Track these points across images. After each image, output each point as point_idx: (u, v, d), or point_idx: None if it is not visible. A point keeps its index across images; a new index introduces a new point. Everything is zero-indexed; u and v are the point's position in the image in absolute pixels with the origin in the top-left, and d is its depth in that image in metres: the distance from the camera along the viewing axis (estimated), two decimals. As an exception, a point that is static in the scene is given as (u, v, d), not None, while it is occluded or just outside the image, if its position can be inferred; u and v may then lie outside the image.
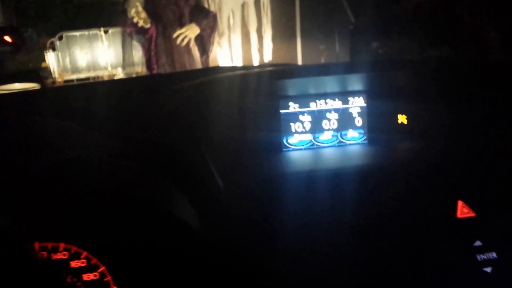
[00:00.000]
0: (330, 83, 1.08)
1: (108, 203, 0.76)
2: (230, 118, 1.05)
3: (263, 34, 4.39)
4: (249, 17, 4.04)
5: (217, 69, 1.44)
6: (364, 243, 0.89)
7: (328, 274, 0.87)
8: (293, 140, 1.11)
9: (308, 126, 1.11)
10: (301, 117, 1.10)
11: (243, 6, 4.07)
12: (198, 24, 3.36)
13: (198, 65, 3.45)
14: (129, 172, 0.87)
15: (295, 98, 1.09)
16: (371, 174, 1.00)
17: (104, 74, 4.87)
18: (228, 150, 1.05)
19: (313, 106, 1.10)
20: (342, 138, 1.13)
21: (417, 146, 1.10)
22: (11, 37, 4.12)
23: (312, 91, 1.09)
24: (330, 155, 1.09)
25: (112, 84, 1.30)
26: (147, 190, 0.84)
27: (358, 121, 1.13)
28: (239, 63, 4.44)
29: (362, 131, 1.13)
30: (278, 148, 1.10)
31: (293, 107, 1.09)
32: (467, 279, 0.85)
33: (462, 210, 0.90)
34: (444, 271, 0.86)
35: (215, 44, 3.82)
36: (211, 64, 3.63)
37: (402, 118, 1.13)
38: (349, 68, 1.07)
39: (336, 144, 1.13)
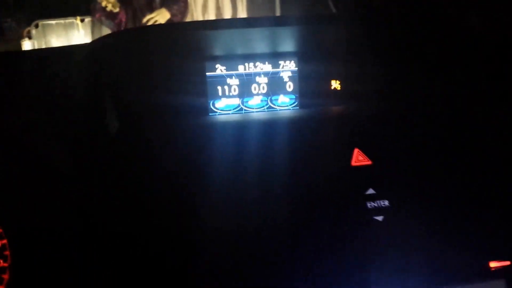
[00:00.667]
0: (259, 40, 1.02)
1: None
2: (153, 78, 1.00)
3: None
4: (223, 3, 3.97)
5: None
6: (273, 196, 0.88)
7: (243, 227, 0.84)
8: (220, 104, 1.06)
9: (236, 90, 1.06)
10: (228, 80, 1.06)
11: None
12: (169, 9, 3.30)
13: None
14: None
15: (222, 60, 1.04)
16: (299, 140, 0.95)
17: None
18: (150, 112, 1.00)
19: (241, 69, 1.05)
20: (272, 103, 1.08)
21: (348, 111, 1.05)
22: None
23: (240, 50, 1.04)
24: (258, 120, 1.04)
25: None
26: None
27: (289, 86, 1.08)
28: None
29: (294, 97, 1.08)
30: (204, 112, 1.05)
31: (220, 69, 1.04)
32: (358, 227, 0.81)
33: (357, 158, 0.86)
34: (336, 218, 0.81)
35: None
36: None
37: (335, 84, 1.08)
38: (278, 21, 1.01)
39: (266, 110, 1.08)
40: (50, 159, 0.77)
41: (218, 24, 0.95)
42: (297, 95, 1.08)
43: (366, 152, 0.87)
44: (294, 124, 1.01)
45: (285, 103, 1.09)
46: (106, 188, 0.81)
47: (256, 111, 1.07)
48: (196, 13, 3.99)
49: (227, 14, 4.32)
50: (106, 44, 0.93)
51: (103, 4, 3.08)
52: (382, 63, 1.04)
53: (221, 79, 1.05)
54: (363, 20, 1.00)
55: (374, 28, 1.00)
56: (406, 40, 1.02)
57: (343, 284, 0.75)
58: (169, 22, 3.27)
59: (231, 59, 1.04)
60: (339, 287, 0.75)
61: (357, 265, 0.76)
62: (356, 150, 0.87)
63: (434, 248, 0.77)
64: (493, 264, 0.77)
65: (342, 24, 1.00)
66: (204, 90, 1.05)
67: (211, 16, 4.12)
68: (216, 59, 1.04)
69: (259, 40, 1.01)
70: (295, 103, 1.09)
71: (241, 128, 1.02)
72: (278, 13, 4.71)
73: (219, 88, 1.06)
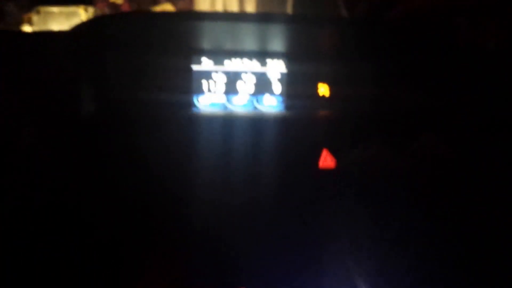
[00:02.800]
0: (248, 36, 0.99)
1: None
2: (135, 68, 0.97)
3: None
4: (231, 3, 3.92)
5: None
6: (252, 194, 0.88)
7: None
8: (204, 100, 1.02)
9: (221, 86, 1.03)
10: (214, 76, 1.02)
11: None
12: (174, 4, 3.25)
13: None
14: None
15: (208, 54, 1.01)
16: (281, 142, 0.92)
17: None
18: (131, 103, 0.97)
19: (228, 65, 1.01)
20: (258, 104, 1.04)
21: (334, 116, 1.02)
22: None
23: (227, 45, 1.00)
24: (242, 120, 1.01)
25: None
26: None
27: (277, 87, 1.04)
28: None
29: (280, 98, 1.04)
30: (187, 107, 1.02)
31: (206, 63, 1.01)
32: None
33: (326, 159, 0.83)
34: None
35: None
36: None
37: (323, 87, 1.04)
38: (269, 18, 0.98)
39: (251, 109, 1.04)
40: (22, 142, 0.73)
41: (206, 15, 0.92)
42: (284, 97, 1.04)
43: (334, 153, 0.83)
44: (278, 126, 0.98)
45: (271, 105, 1.05)
46: (81, 182, 0.78)
47: (241, 110, 1.03)
48: (200, 9, 3.94)
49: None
50: (88, 29, 0.89)
51: (105, -6, 3.04)
52: (375, 70, 1.00)
53: (207, 74, 1.02)
54: (360, 25, 0.96)
55: (373, 35, 0.97)
56: (406, 52, 0.98)
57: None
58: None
59: (218, 54, 1.01)
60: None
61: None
62: (324, 151, 0.83)
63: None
64: None
65: (336, 27, 0.96)
66: (189, 83, 1.01)
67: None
68: (202, 52, 1.00)
69: (247, 36, 0.97)
70: (282, 105, 1.05)
71: (224, 125, 0.98)
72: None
73: (204, 82, 1.02)
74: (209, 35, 0.96)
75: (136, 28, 0.92)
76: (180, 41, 0.97)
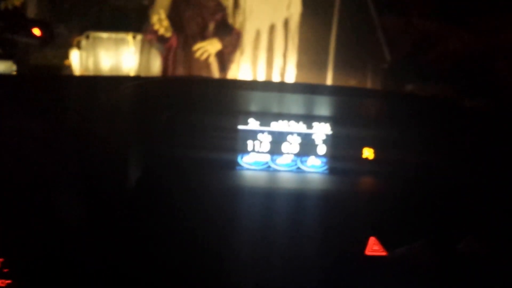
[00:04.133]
0: (295, 103, 1.00)
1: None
2: (183, 128, 0.99)
3: (289, 59, 4.34)
4: (275, 40, 3.97)
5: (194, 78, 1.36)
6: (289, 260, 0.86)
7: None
8: (248, 159, 1.04)
9: (266, 146, 1.04)
10: (260, 136, 1.04)
11: (271, 28, 4.01)
12: (221, 40, 3.31)
13: (215, 81, 3.39)
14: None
15: (255, 115, 1.02)
16: (325, 206, 0.92)
17: (126, 79, 4.84)
18: (177, 163, 0.99)
19: (274, 125, 1.03)
20: (302, 164, 1.05)
21: (379, 183, 1.01)
22: (40, 30, 4.12)
23: (274, 109, 1.02)
24: (286, 181, 1.01)
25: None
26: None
27: (321, 149, 1.05)
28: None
29: (324, 160, 1.05)
30: (231, 165, 1.03)
31: (252, 124, 1.02)
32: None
33: (372, 247, 0.82)
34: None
35: (236, 63, 3.78)
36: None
37: (368, 152, 1.04)
38: (316, 90, 0.99)
39: (295, 170, 1.05)
40: (61, 205, 0.75)
41: (255, 85, 0.94)
42: (328, 159, 1.05)
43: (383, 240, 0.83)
44: (322, 191, 0.98)
45: (315, 166, 1.05)
46: (123, 244, 0.79)
47: (284, 170, 1.04)
48: (245, 45, 4.00)
49: (278, 52, 4.32)
50: (137, 93, 0.92)
51: (156, 27, 3.11)
52: (420, 137, 1.00)
53: (252, 134, 1.03)
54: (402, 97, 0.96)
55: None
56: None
57: None
58: (219, 53, 3.27)
59: (264, 116, 1.02)
60: None
61: None
62: (372, 239, 0.82)
63: None
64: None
65: (380, 99, 0.97)
66: (234, 143, 1.03)
67: (261, 52, 4.12)
68: (249, 113, 1.02)
69: (294, 104, 0.99)
70: (325, 167, 1.05)
71: (267, 186, 0.99)
72: (331, 55, 4.69)
73: (249, 142, 1.03)
74: (256, 101, 0.98)
75: (185, 92, 0.95)
76: (228, 103, 0.99)
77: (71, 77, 1.20)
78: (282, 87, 0.97)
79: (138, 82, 0.95)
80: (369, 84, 4.57)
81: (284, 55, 4.44)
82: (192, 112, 1.00)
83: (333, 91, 0.96)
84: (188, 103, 0.99)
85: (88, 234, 0.76)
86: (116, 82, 0.98)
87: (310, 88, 0.95)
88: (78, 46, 5.08)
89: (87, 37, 5.12)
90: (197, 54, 3.24)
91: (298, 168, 1.05)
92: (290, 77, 4.72)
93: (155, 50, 3.60)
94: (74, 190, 0.79)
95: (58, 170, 0.81)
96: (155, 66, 4.13)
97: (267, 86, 0.95)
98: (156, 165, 0.96)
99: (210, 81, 0.97)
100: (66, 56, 5.29)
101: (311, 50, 4.40)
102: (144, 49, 4.21)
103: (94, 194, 0.79)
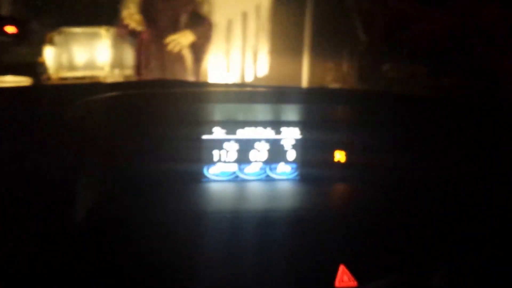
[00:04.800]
0: (261, 109, 0.95)
1: None
2: (142, 141, 0.93)
3: (263, 46, 4.28)
4: (248, 28, 3.91)
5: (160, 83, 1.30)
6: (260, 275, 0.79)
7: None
8: (215, 170, 0.99)
9: (233, 155, 0.99)
10: (225, 145, 0.98)
11: (243, 16, 3.95)
12: (193, 32, 3.26)
13: (189, 73, 3.35)
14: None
15: (220, 124, 0.97)
16: (296, 218, 0.87)
17: (101, 74, 4.77)
18: (138, 177, 0.93)
19: (240, 133, 0.98)
20: (271, 172, 1.00)
21: (352, 190, 0.97)
22: (15, 27, 4.05)
23: (240, 116, 0.97)
24: (255, 190, 0.96)
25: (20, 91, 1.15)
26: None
27: (291, 154, 1.00)
28: (235, 75, 4.32)
29: (295, 166, 1.00)
30: (196, 178, 0.98)
31: (217, 133, 0.97)
32: None
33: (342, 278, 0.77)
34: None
35: (210, 54, 3.72)
36: (203, 74, 3.53)
37: (340, 155, 1.00)
38: (282, 97, 0.94)
39: (264, 178, 1.00)
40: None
41: (219, 96, 0.88)
42: (298, 165, 1.00)
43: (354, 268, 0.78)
44: (292, 203, 0.93)
45: (285, 173, 1.00)
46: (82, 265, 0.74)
47: (253, 180, 0.99)
48: (218, 36, 3.93)
49: (252, 40, 4.25)
50: (97, 106, 0.86)
51: (126, 21, 3.04)
52: (393, 138, 0.96)
53: (218, 143, 0.98)
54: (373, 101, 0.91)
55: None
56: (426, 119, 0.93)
57: None
58: (192, 45, 3.21)
59: (230, 124, 0.97)
60: None
61: None
62: (342, 268, 0.78)
63: None
64: None
65: (350, 100, 0.92)
66: (199, 154, 0.97)
67: (235, 40, 4.06)
68: (213, 122, 0.96)
69: (261, 110, 0.94)
70: (296, 173, 1.00)
71: (236, 198, 0.94)
72: (306, 40, 4.64)
73: (215, 152, 0.98)
74: (220, 109, 0.93)
75: (145, 105, 0.89)
76: (191, 112, 0.94)
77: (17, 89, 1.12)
78: (247, 95, 0.91)
79: (96, 98, 0.89)
80: (345, 67, 4.55)
81: (258, 43, 4.38)
82: (152, 123, 0.94)
83: (300, 95, 0.91)
84: (147, 114, 0.93)
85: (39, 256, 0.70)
86: (69, 93, 0.92)
87: (276, 94, 0.90)
88: (52, 43, 4.98)
89: (60, 33, 5.01)
90: (170, 47, 3.19)
91: (268, 176, 1.00)
92: (265, 65, 4.67)
93: (128, 44, 3.53)
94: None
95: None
96: (130, 59, 4.04)
97: (232, 94, 0.89)
98: (115, 182, 0.90)
99: (169, 93, 0.91)
100: (40, 53, 5.18)
101: (286, 36, 4.35)
102: (117, 42, 4.13)
103: (42, 217, 0.73)
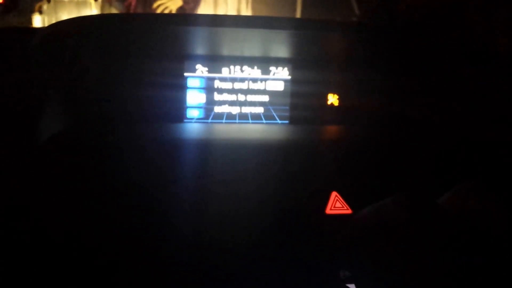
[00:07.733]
0: (248, 42, 0.87)
1: None
2: (119, 74, 0.86)
3: (254, 13, 4.17)
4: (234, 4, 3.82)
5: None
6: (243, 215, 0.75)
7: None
8: (197, 111, 0.91)
9: (217, 96, 0.91)
10: (209, 84, 0.90)
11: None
12: (183, -1, 3.18)
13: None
14: None
15: (204, 60, 0.89)
16: (283, 162, 0.80)
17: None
18: (112, 114, 0.85)
19: (225, 72, 0.90)
20: (259, 115, 0.92)
21: (345, 132, 0.90)
22: (2, -3, 3.92)
23: (225, 51, 0.89)
24: (238, 131, 0.89)
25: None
26: None
27: (279, 96, 0.92)
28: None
29: (284, 109, 0.93)
30: (179, 118, 0.90)
31: (200, 70, 0.89)
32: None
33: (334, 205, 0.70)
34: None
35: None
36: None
37: (332, 98, 0.92)
38: (272, 23, 0.85)
39: (250, 121, 0.92)
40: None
41: (202, 20, 0.79)
42: (288, 107, 0.93)
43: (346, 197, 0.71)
44: (282, 143, 0.86)
45: (274, 115, 0.93)
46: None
47: (239, 122, 0.92)
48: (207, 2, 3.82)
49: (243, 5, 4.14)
50: (67, 29, 0.78)
51: (114, -14, 2.95)
52: (386, 78, 0.88)
53: (202, 82, 0.90)
54: (374, 29, 0.83)
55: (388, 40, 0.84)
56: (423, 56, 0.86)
57: None
58: (180, 9, 3.13)
59: (214, 60, 0.89)
60: None
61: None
62: (334, 194, 0.71)
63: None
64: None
65: (347, 32, 0.83)
66: (181, 93, 0.90)
67: (223, 8, 3.95)
68: (196, 58, 0.88)
69: (248, 42, 0.85)
70: (285, 116, 0.93)
71: (219, 140, 0.86)
72: (298, 14, 4.54)
73: (198, 91, 0.90)
74: (205, 40, 0.84)
75: (121, 30, 0.81)
76: (172, 45, 0.85)
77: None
78: (234, 21, 0.82)
79: (65, 20, 0.80)
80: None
81: (248, 9, 4.27)
82: (127, 57, 0.86)
83: (291, 24, 0.82)
84: (122, 46, 0.85)
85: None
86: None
87: (265, 21, 0.81)
88: (40, 11, 4.86)
89: (49, 1, 4.89)
90: (158, 11, 3.11)
91: (254, 119, 0.93)
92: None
93: (115, 9, 3.43)
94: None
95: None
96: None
97: (218, 20, 0.80)
98: (83, 113, 0.82)
99: (151, 16, 0.82)
100: (29, 22, 5.05)
101: (278, 2, 4.26)
102: (105, 10, 4.02)
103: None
